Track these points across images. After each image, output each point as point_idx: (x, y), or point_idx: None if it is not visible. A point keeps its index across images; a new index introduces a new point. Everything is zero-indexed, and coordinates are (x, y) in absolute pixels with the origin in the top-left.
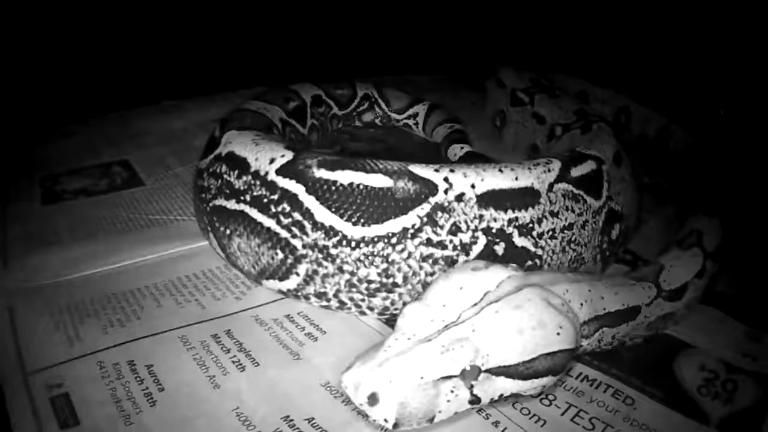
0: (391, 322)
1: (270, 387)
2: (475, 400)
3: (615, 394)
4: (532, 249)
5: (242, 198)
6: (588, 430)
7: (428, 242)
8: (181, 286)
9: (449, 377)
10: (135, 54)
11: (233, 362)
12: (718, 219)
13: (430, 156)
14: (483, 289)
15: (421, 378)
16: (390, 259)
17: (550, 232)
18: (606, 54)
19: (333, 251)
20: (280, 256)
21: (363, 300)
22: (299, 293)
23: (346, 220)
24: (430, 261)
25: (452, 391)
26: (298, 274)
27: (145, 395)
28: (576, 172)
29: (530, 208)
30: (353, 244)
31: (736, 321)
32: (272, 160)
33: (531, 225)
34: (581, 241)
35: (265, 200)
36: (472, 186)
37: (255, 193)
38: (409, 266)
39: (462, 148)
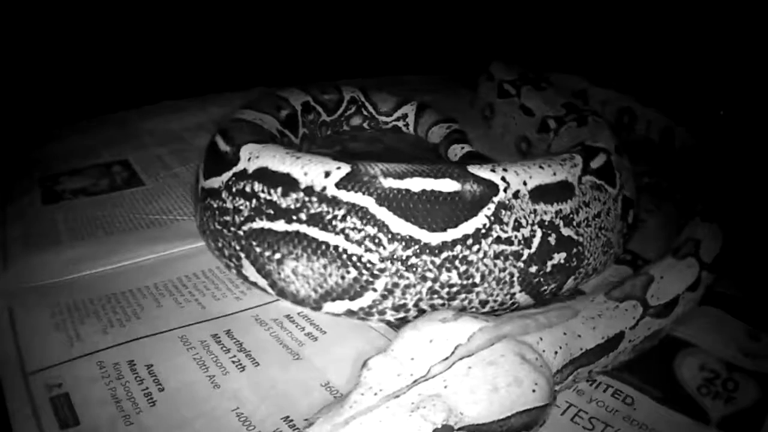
0: (392, 325)
1: (270, 387)
2: None
3: (615, 394)
4: (575, 237)
5: (295, 217)
6: (588, 430)
7: (498, 240)
8: (181, 286)
9: None
10: (135, 54)
11: (233, 362)
12: (717, 225)
13: (429, 156)
14: (454, 342)
15: None
16: (468, 260)
17: (586, 221)
18: (606, 54)
19: (414, 260)
20: (353, 274)
21: (443, 305)
22: (373, 310)
23: (424, 228)
24: (502, 258)
25: None
26: (375, 290)
27: (145, 395)
28: (594, 164)
29: (569, 200)
30: (435, 250)
31: (736, 320)
32: (328, 174)
33: (571, 215)
34: (608, 226)
35: (328, 217)
36: (524, 183)
37: (313, 211)
38: (485, 265)
39: (462, 148)
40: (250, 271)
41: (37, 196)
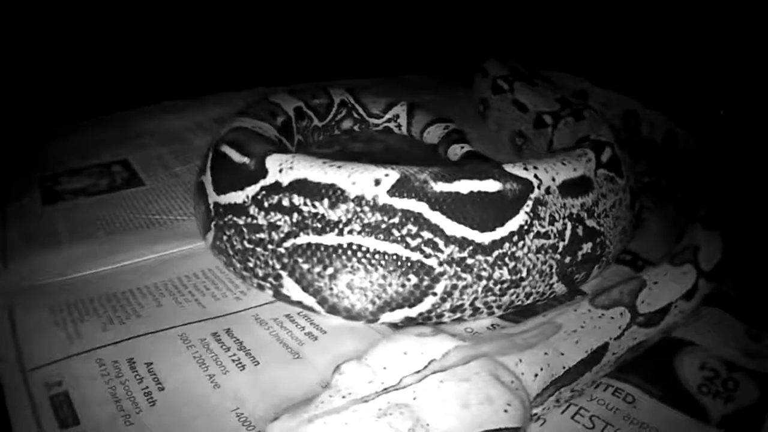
0: (396, 327)
1: (270, 386)
2: None
3: (615, 393)
4: (598, 228)
5: (348, 229)
6: (588, 429)
7: (538, 234)
8: (181, 285)
9: None
10: (135, 54)
11: (233, 361)
12: (719, 232)
13: (428, 156)
14: (428, 357)
15: None
16: (516, 256)
17: (605, 212)
18: (606, 55)
19: (469, 261)
20: (414, 280)
21: (495, 301)
22: (431, 314)
23: (475, 228)
24: (542, 251)
25: None
26: (434, 294)
27: (145, 394)
28: (604, 157)
29: (590, 193)
30: (487, 250)
31: (736, 320)
32: (378, 182)
33: (593, 207)
34: (621, 216)
35: (383, 225)
36: (553, 179)
37: (367, 221)
38: (530, 259)
39: (462, 147)
40: (293, 290)
41: (37, 196)
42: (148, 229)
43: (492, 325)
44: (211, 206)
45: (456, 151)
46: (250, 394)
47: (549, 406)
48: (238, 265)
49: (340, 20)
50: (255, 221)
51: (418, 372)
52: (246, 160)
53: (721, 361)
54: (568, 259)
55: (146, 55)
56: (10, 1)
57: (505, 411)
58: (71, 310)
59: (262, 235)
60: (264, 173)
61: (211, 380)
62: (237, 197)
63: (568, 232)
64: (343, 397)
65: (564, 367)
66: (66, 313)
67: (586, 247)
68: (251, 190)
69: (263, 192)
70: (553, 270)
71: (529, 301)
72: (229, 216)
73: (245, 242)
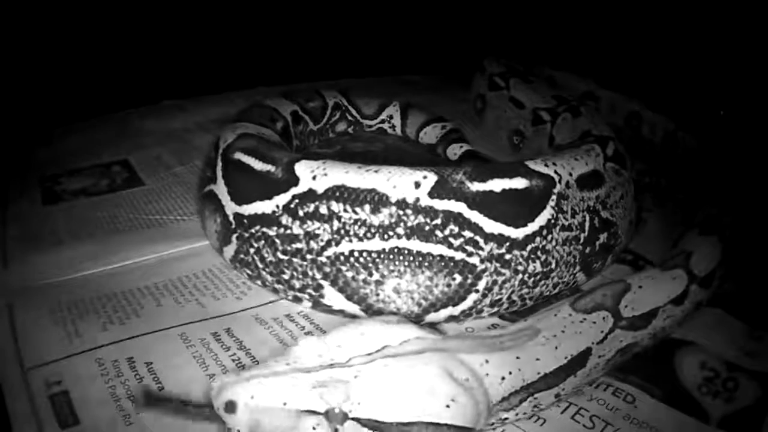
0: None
1: None
2: None
3: (615, 392)
4: (611, 218)
5: (392, 233)
6: (588, 429)
7: (563, 227)
8: (181, 285)
9: (314, 413)
10: (135, 54)
11: (233, 360)
12: (717, 238)
13: (427, 155)
14: (383, 342)
15: (284, 404)
16: (546, 249)
17: (615, 203)
18: (606, 55)
19: (507, 257)
20: (458, 279)
21: (528, 293)
22: (472, 311)
23: (510, 225)
24: (567, 243)
25: (314, 429)
26: (477, 291)
27: None
28: (609, 151)
29: (602, 186)
30: (522, 244)
31: (736, 320)
32: (418, 185)
33: (606, 200)
34: (629, 206)
35: (427, 228)
36: (570, 174)
37: (411, 224)
38: (557, 251)
39: (461, 146)
40: (335, 299)
41: (37, 197)
42: (148, 229)
43: (493, 324)
44: (231, 217)
45: (455, 150)
46: None
47: (526, 411)
48: (270, 278)
49: (340, 20)
50: (289, 231)
51: (369, 354)
52: (270, 167)
53: (721, 361)
54: (588, 249)
55: (146, 55)
56: (10, 1)
57: (447, 406)
58: (71, 309)
59: (299, 245)
60: (295, 181)
61: (211, 379)
62: (264, 207)
63: (587, 224)
64: (287, 364)
65: (539, 373)
66: (66, 312)
67: (603, 237)
68: (281, 198)
69: (296, 200)
70: (576, 260)
71: (555, 291)
72: (257, 227)
73: (279, 253)
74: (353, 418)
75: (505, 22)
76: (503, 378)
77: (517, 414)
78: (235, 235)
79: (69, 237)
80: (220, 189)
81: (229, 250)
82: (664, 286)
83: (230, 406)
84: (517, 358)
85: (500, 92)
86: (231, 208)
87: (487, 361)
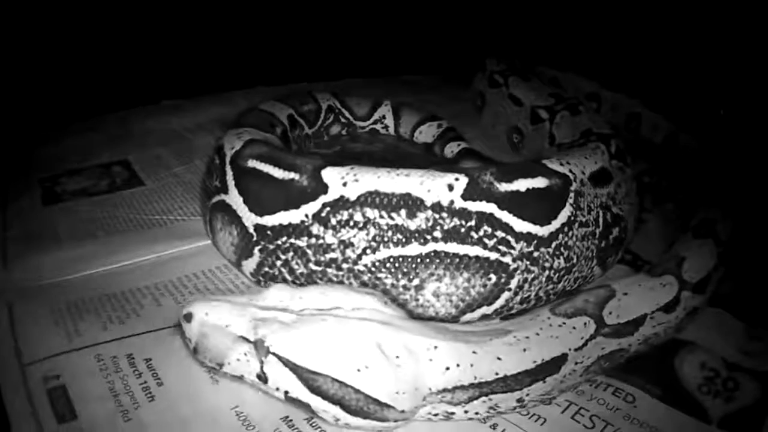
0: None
1: None
2: (262, 376)
3: (615, 392)
4: (621, 213)
5: (429, 237)
6: (588, 429)
7: (581, 224)
8: (181, 286)
9: (246, 340)
10: (135, 54)
11: None
12: (711, 240)
13: (425, 154)
14: (337, 303)
15: (226, 326)
16: (568, 246)
17: (623, 199)
18: (605, 55)
19: (535, 254)
20: (493, 279)
21: (552, 288)
22: (504, 309)
23: (536, 223)
24: (586, 239)
25: (245, 354)
26: (509, 290)
27: (144, 390)
28: (612, 149)
29: (611, 183)
30: (547, 242)
31: (737, 319)
32: (451, 187)
33: (615, 195)
34: (634, 202)
35: (463, 230)
36: (582, 172)
37: (447, 227)
38: (578, 247)
39: (459, 145)
40: (374, 302)
41: (37, 197)
42: (148, 229)
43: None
44: (251, 230)
45: (452, 148)
46: (250, 393)
47: (479, 411)
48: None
49: (340, 20)
50: (322, 241)
51: (319, 310)
52: (294, 175)
53: (721, 361)
54: (603, 244)
55: (146, 55)
56: (10, 1)
57: (359, 370)
58: (71, 309)
59: (333, 255)
60: (323, 188)
61: (212, 377)
62: (291, 217)
63: (600, 220)
64: (250, 300)
65: (497, 374)
66: (66, 312)
67: (615, 231)
68: (310, 207)
69: (327, 208)
70: (594, 254)
71: (575, 286)
72: (284, 238)
73: (312, 264)
74: (274, 353)
75: (505, 22)
76: (448, 368)
77: (467, 411)
78: (257, 248)
79: (69, 237)
80: (235, 199)
81: (250, 264)
82: (652, 293)
83: (188, 317)
84: (474, 353)
85: (499, 89)
86: (251, 219)
87: (435, 347)
